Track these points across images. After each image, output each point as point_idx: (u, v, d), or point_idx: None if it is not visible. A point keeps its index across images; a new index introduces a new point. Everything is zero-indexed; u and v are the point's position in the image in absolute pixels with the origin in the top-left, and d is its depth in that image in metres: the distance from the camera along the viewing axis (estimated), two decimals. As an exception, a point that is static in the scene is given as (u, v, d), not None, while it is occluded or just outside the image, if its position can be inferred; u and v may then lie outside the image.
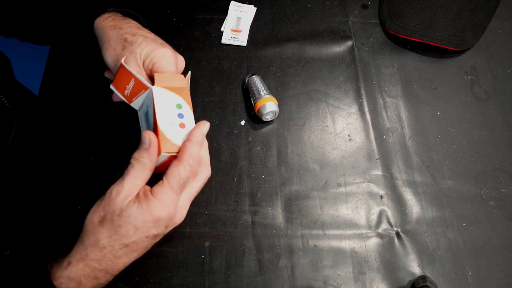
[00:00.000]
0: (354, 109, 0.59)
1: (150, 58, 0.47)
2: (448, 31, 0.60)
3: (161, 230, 0.41)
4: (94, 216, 0.40)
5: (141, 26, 0.51)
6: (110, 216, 0.39)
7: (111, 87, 0.48)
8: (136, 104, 0.47)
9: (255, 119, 0.58)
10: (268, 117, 0.56)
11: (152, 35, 0.50)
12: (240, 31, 0.64)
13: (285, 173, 0.55)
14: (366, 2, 0.67)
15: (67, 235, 0.51)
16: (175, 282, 0.49)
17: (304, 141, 0.57)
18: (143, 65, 0.47)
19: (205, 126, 0.43)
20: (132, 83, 0.45)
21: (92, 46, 0.63)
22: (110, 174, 0.54)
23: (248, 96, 0.59)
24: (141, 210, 0.39)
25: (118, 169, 0.55)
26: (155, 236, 0.41)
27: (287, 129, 0.58)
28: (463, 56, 0.62)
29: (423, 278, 0.46)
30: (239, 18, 0.66)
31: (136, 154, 0.41)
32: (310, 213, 0.52)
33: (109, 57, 0.48)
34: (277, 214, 0.52)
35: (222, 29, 0.65)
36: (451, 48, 0.61)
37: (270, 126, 0.58)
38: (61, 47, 0.64)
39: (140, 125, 0.48)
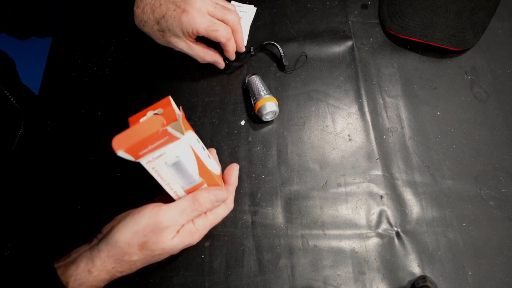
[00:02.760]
0: (354, 109, 0.59)
1: (185, 31, 0.51)
2: (448, 31, 0.60)
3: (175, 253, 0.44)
4: (133, 239, 0.40)
5: (157, 2, 0.52)
6: (152, 246, 0.40)
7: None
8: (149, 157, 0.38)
9: (255, 119, 0.58)
10: (268, 117, 0.56)
11: (171, 7, 0.52)
12: (240, 31, 0.64)
13: (285, 173, 0.55)
14: (366, 2, 0.67)
15: (67, 235, 0.51)
16: (175, 282, 0.49)
17: (304, 141, 0.57)
18: (187, 38, 0.53)
19: (237, 169, 0.48)
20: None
21: (92, 46, 0.64)
22: (110, 174, 0.54)
23: (248, 96, 0.59)
24: (179, 242, 0.41)
25: (118, 169, 0.55)
26: (167, 255, 0.44)
27: (287, 129, 0.58)
28: (463, 56, 0.62)
29: (423, 278, 0.46)
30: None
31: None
32: (310, 213, 0.52)
33: (162, 43, 0.56)
34: (277, 214, 0.52)
35: (222, 29, 0.65)
36: (451, 48, 0.61)
37: (270, 126, 0.58)
38: (61, 47, 0.64)
39: (158, 176, 0.40)
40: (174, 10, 0.51)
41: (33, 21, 0.53)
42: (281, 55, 0.61)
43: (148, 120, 0.35)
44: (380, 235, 0.51)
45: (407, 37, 0.61)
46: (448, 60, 0.62)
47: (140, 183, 0.54)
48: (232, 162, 0.55)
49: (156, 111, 0.40)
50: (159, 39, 0.54)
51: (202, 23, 0.51)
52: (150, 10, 0.52)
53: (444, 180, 0.54)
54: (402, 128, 0.58)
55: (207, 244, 0.51)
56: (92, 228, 0.51)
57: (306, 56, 0.62)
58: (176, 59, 0.62)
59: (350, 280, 0.49)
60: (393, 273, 0.49)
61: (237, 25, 0.54)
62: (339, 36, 0.64)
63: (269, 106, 0.55)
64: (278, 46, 0.61)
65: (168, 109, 0.38)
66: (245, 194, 0.53)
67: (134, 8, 0.53)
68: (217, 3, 0.54)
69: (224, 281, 0.49)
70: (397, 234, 0.51)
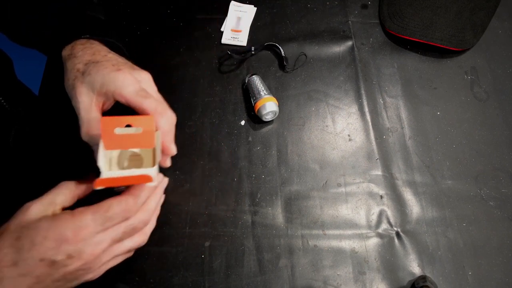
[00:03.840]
0: (354, 109, 0.59)
1: (105, 86, 0.40)
2: (448, 31, 0.60)
3: (61, 257, 0.34)
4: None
5: (103, 51, 0.45)
6: (14, 226, 0.35)
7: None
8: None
9: (255, 119, 0.58)
10: (268, 117, 0.56)
11: (111, 60, 0.43)
12: (240, 31, 0.64)
13: (285, 173, 0.55)
14: (366, 2, 0.67)
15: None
16: (175, 282, 0.49)
17: (304, 141, 0.57)
18: (99, 96, 0.41)
19: (165, 182, 0.42)
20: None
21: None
22: (110, 174, 0.54)
23: (248, 96, 0.59)
24: (48, 225, 0.34)
25: (118, 169, 0.55)
26: (52, 263, 0.34)
27: (287, 129, 0.58)
28: (463, 56, 0.62)
29: (423, 278, 0.46)
30: (239, 18, 0.66)
31: None
32: (310, 213, 0.52)
33: (66, 88, 0.43)
34: (277, 214, 0.52)
35: (222, 29, 0.65)
36: (451, 48, 0.61)
37: (270, 126, 0.58)
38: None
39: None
40: (113, 65, 0.42)
41: (33, 21, 0.53)
42: (283, 56, 0.61)
43: (134, 176, 0.37)
44: (380, 235, 0.51)
45: (407, 37, 0.61)
46: (448, 60, 0.62)
47: (140, 183, 0.54)
48: (232, 162, 0.55)
49: (135, 128, 0.38)
50: (69, 79, 0.43)
51: (130, 86, 0.40)
52: (91, 52, 0.44)
53: (444, 180, 0.54)
54: (402, 128, 0.58)
55: (207, 244, 0.51)
56: (92, 228, 0.51)
57: (305, 56, 0.62)
58: (176, 60, 0.62)
59: (350, 280, 0.49)
60: (393, 273, 0.49)
61: (169, 124, 0.42)
62: (339, 36, 0.64)
63: (269, 106, 0.55)
64: (279, 47, 0.61)
65: (147, 132, 0.37)
66: (245, 194, 0.53)
67: (75, 43, 0.45)
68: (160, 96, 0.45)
69: (224, 281, 0.49)
70: (397, 234, 0.51)
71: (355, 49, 0.63)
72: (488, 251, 0.50)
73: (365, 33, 0.64)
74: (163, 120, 0.41)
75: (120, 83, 0.40)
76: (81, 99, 0.41)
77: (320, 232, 0.51)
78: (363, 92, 0.60)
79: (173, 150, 0.43)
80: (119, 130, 0.38)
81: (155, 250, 0.50)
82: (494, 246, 0.50)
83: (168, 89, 0.60)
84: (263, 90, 0.56)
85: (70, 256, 0.34)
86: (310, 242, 0.51)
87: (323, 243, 0.51)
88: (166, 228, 0.51)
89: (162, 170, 0.51)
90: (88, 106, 0.42)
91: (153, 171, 0.39)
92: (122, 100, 0.41)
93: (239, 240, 0.51)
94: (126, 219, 0.38)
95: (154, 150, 0.40)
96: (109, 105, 0.44)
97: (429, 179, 0.54)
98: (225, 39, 0.64)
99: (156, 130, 0.40)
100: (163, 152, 0.43)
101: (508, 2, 0.66)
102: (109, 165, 0.42)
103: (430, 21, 0.61)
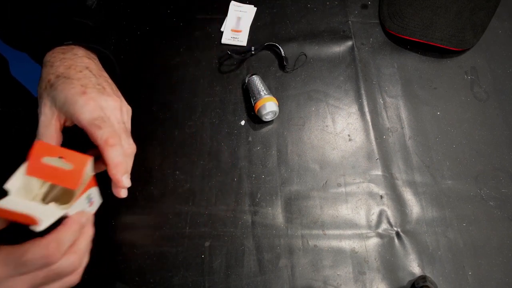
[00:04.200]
0: (354, 109, 0.59)
1: (66, 107, 0.40)
2: (448, 31, 0.60)
3: None
4: None
5: (79, 67, 0.43)
6: None
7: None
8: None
9: (255, 119, 0.58)
10: (268, 117, 0.56)
11: (81, 80, 0.42)
12: (240, 31, 0.64)
13: (285, 173, 0.55)
14: (366, 2, 0.67)
15: (67, 235, 0.51)
16: (175, 282, 0.49)
17: (304, 141, 0.57)
18: (59, 113, 0.41)
19: (83, 215, 0.37)
20: None
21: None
22: (110, 174, 0.54)
23: (248, 96, 0.59)
24: None
25: (118, 169, 0.55)
26: None
27: (287, 129, 0.58)
28: (463, 56, 0.62)
29: (423, 278, 0.46)
30: (239, 18, 0.66)
31: None
32: (310, 213, 0.52)
33: (37, 95, 0.43)
34: (277, 214, 0.52)
35: (222, 29, 0.65)
36: (451, 48, 0.61)
37: (270, 126, 0.58)
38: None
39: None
40: (81, 85, 0.41)
41: (33, 21, 0.53)
42: (283, 56, 0.61)
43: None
44: (380, 235, 0.51)
45: (407, 37, 0.61)
46: (448, 60, 0.62)
47: (140, 183, 0.54)
48: (232, 162, 0.55)
49: (65, 163, 0.36)
50: (40, 87, 0.43)
51: (89, 113, 0.39)
52: (67, 64, 0.43)
53: (444, 180, 0.54)
54: (402, 128, 0.58)
55: (207, 244, 0.51)
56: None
57: (305, 56, 0.62)
58: (176, 60, 0.62)
59: (350, 280, 0.49)
60: (393, 273, 0.49)
61: (126, 156, 0.42)
62: (339, 36, 0.64)
63: (269, 106, 0.55)
64: (279, 47, 0.61)
65: (76, 172, 0.35)
66: (245, 194, 0.53)
67: (57, 50, 0.44)
68: (126, 125, 0.44)
69: (224, 281, 0.49)
70: (397, 234, 0.51)
71: (355, 49, 0.63)
72: (488, 251, 0.50)
73: (365, 33, 0.64)
74: (113, 152, 0.39)
75: (79, 107, 0.39)
76: (44, 111, 0.41)
77: (320, 232, 0.51)
78: (363, 92, 0.60)
79: (124, 182, 0.41)
80: (48, 160, 0.35)
81: (155, 250, 0.50)
82: (494, 246, 0.50)
83: (168, 89, 0.61)
84: (263, 90, 0.56)
85: None
86: (310, 242, 0.51)
87: (323, 243, 0.51)
88: (166, 228, 0.51)
89: (162, 176, 0.52)
90: (48, 121, 0.41)
91: (64, 212, 0.35)
92: (79, 124, 0.40)
93: (239, 240, 0.51)
94: (47, 265, 0.33)
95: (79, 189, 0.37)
96: (71, 123, 0.42)
97: (429, 179, 0.54)
98: (225, 39, 0.64)
99: (91, 171, 0.38)
100: (115, 184, 0.41)
101: (508, 2, 0.66)
102: (26, 191, 0.37)
103: (430, 21, 0.61)
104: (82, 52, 0.46)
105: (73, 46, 0.45)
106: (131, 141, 0.44)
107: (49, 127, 0.41)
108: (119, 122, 0.43)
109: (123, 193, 0.43)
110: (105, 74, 0.47)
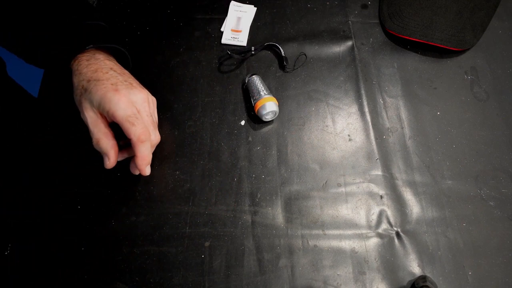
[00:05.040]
0: (354, 109, 0.59)
1: (102, 106, 0.45)
2: (448, 31, 0.60)
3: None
4: None
5: (105, 68, 0.49)
6: None
7: None
8: None
9: (255, 119, 0.58)
10: (268, 117, 0.56)
11: (111, 79, 0.47)
12: (240, 31, 0.64)
13: (285, 173, 0.55)
14: (366, 2, 0.67)
15: (67, 235, 0.51)
16: (175, 282, 0.49)
17: (304, 141, 0.57)
18: (99, 112, 0.47)
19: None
20: None
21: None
22: (110, 174, 0.54)
23: (248, 96, 0.59)
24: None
25: (118, 169, 0.55)
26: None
27: (287, 129, 0.58)
28: (463, 56, 0.62)
29: (423, 278, 0.46)
30: (239, 18, 0.66)
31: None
32: (310, 213, 0.52)
33: (75, 102, 0.48)
34: (277, 214, 0.52)
35: (222, 29, 0.65)
36: (451, 48, 0.61)
37: (270, 126, 0.58)
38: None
39: None
40: (111, 84, 0.46)
41: (35, 37, 0.52)
42: (283, 56, 0.61)
43: None
44: (380, 235, 0.51)
45: (407, 37, 0.61)
46: (448, 60, 0.62)
47: (140, 183, 0.54)
48: (232, 162, 0.55)
49: None
50: (77, 95, 0.48)
51: (123, 110, 0.45)
52: (94, 68, 0.48)
53: (444, 180, 0.54)
54: (402, 128, 0.58)
55: (207, 244, 0.51)
56: (92, 228, 0.52)
57: (305, 56, 0.62)
58: (176, 60, 0.62)
59: (350, 280, 0.49)
60: (393, 273, 0.49)
61: (151, 147, 0.49)
62: (339, 36, 0.64)
63: (269, 106, 0.55)
64: (279, 47, 0.61)
65: None
66: (245, 194, 0.53)
67: (81, 57, 0.49)
68: (153, 116, 0.51)
69: (224, 281, 0.49)
70: (397, 234, 0.51)
71: (355, 49, 0.63)
72: (488, 251, 0.50)
73: (365, 33, 0.64)
74: (142, 147, 0.46)
75: (114, 104, 0.45)
76: (87, 114, 0.47)
77: (320, 232, 0.51)
78: (363, 92, 0.60)
79: (146, 172, 0.48)
80: None
81: (155, 250, 0.50)
82: (494, 246, 0.50)
83: (168, 89, 0.61)
84: (263, 90, 0.56)
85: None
86: (310, 242, 0.51)
87: (323, 243, 0.51)
88: (166, 228, 0.51)
89: (162, 176, 0.51)
90: (94, 120, 0.47)
91: None
92: (114, 120, 0.45)
93: (239, 240, 0.51)
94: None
95: None
96: (110, 119, 0.47)
97: (429, 179, 0.54)
98: (225, 39, 0.64)
99: None
100: (138, 171, 0.48)
101: (508, 2, 0.66)
102: None
103: (430, 21, 0.61)
104: (102, 55, 0.50)
105: (94, 51, 0.50)
106: (157, 132, 0.51)
107: (98, 125, 0.47)
108: (148, 115, 0.49)
109: (147, 170, 0.49)
110: (126, 72, 0.52)
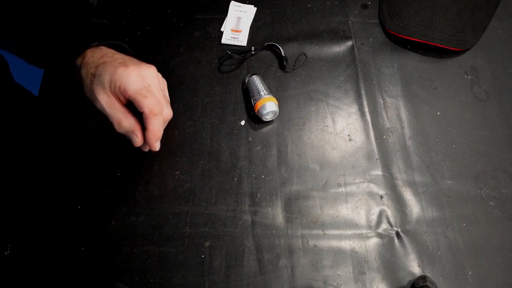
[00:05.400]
0: (354, 109, 0.59)
1: (113, 83, 0.44)
2: (448, 31, 0.60)
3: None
4: None
5: (110, 53, 0.49)
6: None
7: None
8: None
9: (255, 119, 0.58)
10: (268, 117, 0.56)
11: (118, 59, 0.47)
12: (240, 31, 0.64)
13: (285, 173, 0.55)
14: (366, 2, 0.67)
15: (67, 235, 0.51)
16: (175, 282, 0.49)
17: (304, 141, 0.57)
18: (112, 93, 0.46)
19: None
20: None
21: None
22: (110, 173, 0.55)
23: (248, 96, 0.59)
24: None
25: (118, 169, 0.55)
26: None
27: (287, 129, 0.58)
28: (463, 56, 0.62)
29: (423, 278, 0.46)
30: (239, 18, 0.66)
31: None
32: (310, 213, 0.52)
33: (88, 96, 0.48)
34: (277, 214, 0.52)
35: (222, 29, 0.65)
36: (451, 48, 0.61)
37: (270, 126, 0.58)
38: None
39: None
40: (119, 63, 0.46)
41: (39, 37, 0.52)
42: (283, 56, 0.61)
43: None
44: (380, 235, 0.51)
45: (407, 37, 0.61)
46: (448, 60, 0.62)
47: (140, 183, 0.54)
48: (232, 162, 0.55)
49: None
50: (87, 85, 0.47)
51: (134, 83, 0.45)
52: (99, 55, 0.47)
53: (444, 180, 0.54)
54: (402, 128, 0.58)
55: (207, 244, 0.51)
56: (92, 228, 0.52)
57: (305, 56, 0.62)
58: (176, 60, 0.62)
59: (350, 280, 0.49)
60: (393, 273, 0.49)
61: (165, 120, 0.50)
62: (339, 36, 0.64)
63: (269, 106, 0.55)
64: (279, 47, 0.61)
65: None
66: (245, 194, 0.53)
67: (85, 52, 0.48)
68: (164, 93, 0.50)
69: (224, 281, 0.49)
70: (397, 234, 0.51)
71: (355, 49, 0.63)
72: (488, 251, 0.50)
73: (365, 33, 0.64)
74: (155, 121, 0.45)
75: (124, 79, 0.44)
76: (101, 98, 0.45)
77: (320, 232, 0.51)
78: (363, 92, 0.60)
79: (156, 147, 0.47)
80: None
81: (155, 250, 0.50)
82: (494, 246, 0.50)
83: (168, 89, 0.60)
84: (263, 90, 0.56)
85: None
86: (310, 242, 0.51)
87: (323, 243, 0.51)
88: (166, 228, 0.51)
89: (162, 176, 0.51)
90: (109, 102, 0.45)
91: None
92: (126, 95, 0.45)
93: (239, 240, 0.51)
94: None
95: None
96: (125, 100, 0.47)
97: (429, 179, 0.54)
98: (225, 39, 0.64)
99: None
100: (148, 147, 0.48)
101: (508, 2, 0.66)
102: None
103: (430, 21, 0.61)
104: (106, 49, 0.50)
105: (101, 47, 0.50)
106: (169, 108, 0.50)
107: (115, 106, 0.46)
108: (158, 89, 0.48)
109: (157, 146, 0.48)
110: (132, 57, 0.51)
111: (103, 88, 0.45)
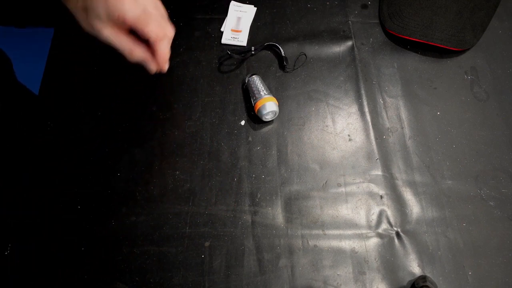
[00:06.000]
0: (354, 109, 0.59)
1: (110, 14, 0.43)
2: (448, 31, 0.60)
3: None
4: None
5: None
6: None
7: None
8: None
9: (255, 119, 0.58)
10: (268, 117, 0.56)
11: None
12: (240, 31, 0.64)
13: (285, 173, 0.55)
14: (366, 2, 0.67)
15: (67, 235, 0.51)
16: (175, 282, 0.49)
17: (304, 141, 0.57)
18: (113, 24, 0.44)
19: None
20: None
21: (93, 46, 0.63)
22: (110, 173, 0.54)
23: (248, 96, 0.59)
24: None
25: (118, 169, 0.55)
26: None
27: (287, 129, 0.58)
28: (463, 56, 0.62)
29: (423, 278, 0.46)
30: (239, 18, 0.66)
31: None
32: (310, 213, 0.52)
33: (86, 29, 0.45)
34: (277, 214, 0.52)
35: (222, 29, 0.65)
36: (451, 48, 0.61)
37: (270, 126, 0.58)
38: (61, 47, 0.64)
39: None
40: None
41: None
42: (283, 56, 0.61)
43: None
44: (380, 235, 0.51)
45: (407, 37, 0.61)
46: (448, 60, 0.62)
47: (140, 183, 0.54)
48: (232, 162, 0.55)
49: None
50: (83, 21, 0.45)
51: (132, 10, 0.43)
52: None
53: (444, 180, 0.54)
54: (402, 128, 0.58)
55: (207, 244, 0.51)
56: (92, 228, 0.52)
57: (305, 56, 0.62)
58: (176, 60, 0.62)
59: (350, 280, 0.49)
60: (393, 273, 0.49)
61: (170, 38, 0.48)
62: (339, 36, 0.64)
63: (269, 106, 0.55)
64: (279, 47, 0.61)
65: None
66: (245, 194, 0.53)
67: None
68: (162, 12, 0.48)
69: (224, 281, 0.49)
70: (397, 234, 0.51)
71: (355, 49, 0.63)
72: (488, 251, 0.50)
73: (365, 33, 0.64)
74: (162, 45, 0.46)
75: (120, 8, 0.42)
76: (104, 32, 0.44)
77: (320, 232, 0.51)
78: (363, 92, 0.60)
79: (165, 68, 0.47)
80: None
81: (155, 250, 0.50)
82: (494, 246, 0.50)
83: (168, 89, 0.61)
84: (263, 90, 0.56)
85: None
86: (310, 242, 0.51)
87: (323, 243, 0.51)
88: (166, 228, 0.51)
89: (162, 176, 0.51)
90: (114, 34, 0.44)
91: None
92: (127, 24, 0.44)
93: (239, 240, 0.51)
94: None
95: None
96: (127, 27, 0.45)
97: (429, 179, 0.54)
98: (225, 39, 0.64)
99: None
100: (158, 70, 0.47)
101: (508, 2, 0.66)
102: None
103: (430, 21, 0.61)
104: None
105: None
106: (170, 25, 0.48)
107: (121, 36, 0.44)
108: (154, 8, 0.46)
109: (166, 67, 0.48)
110: None
111: (102, 21, 0.43)
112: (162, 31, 0.45)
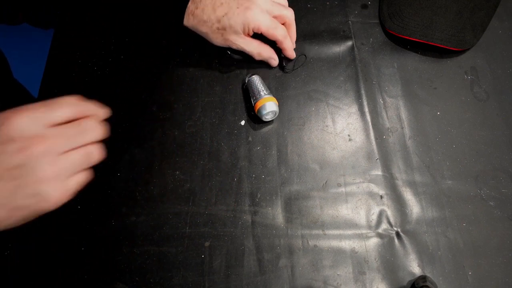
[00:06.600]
0: (354, 109, 0.59)
1: (247, 27, 0.53)
2: (448, 31, 0.60)
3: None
4: None
5: (210, 4, 0.54)
6: None
7: None
8: None
9: (255, 119, 0.58)
10: (268, 117, 0.56)
11: (232, 6, 0.54)
12: (240, 31, 0.64)
13: (285, 173, 0.55)
14: (366, 2, 0.67)
15: (67, 235, 0.51)
16: (175, 282, 0.49)
17: (304, 141, 0.57)
18: (245, 34, 0.55)
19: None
20: None
21: (92, 46, 0.64)
22: (110, 173, 0.55)
23: (248, 96, 0.59)
24: None
25: (118, 169, 0.55)
26: None
27: (287, 129, 0.58)
28: (463, 56, 0.62)
29: (423, 278, 0.46)
30: (239, 18, 0.66)
31: None
32: (310, 213, 0.52)
33: (217, 43, 0.57)
34: (277, 214, 0.52)
35: (222, 29, 0.65)
36: (451, 48, 0.61)
37: (270, 126, 0.58)
38: (61, 47, 0.64)
39: None
40: (237, 7, 0.53)
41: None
42: (282, 56, 0.61)
43: None
44: (380, 235, 0.51)
45: (407, 37, 0.61)
46: (448, 60, 0.62)
47: (140, 183, 0.54)
48: (232, 162, 0.55)
49: None
50: (217, 38, 0.56)
51: (265, 21, 0.54)
52: (211, 9, 0.54)
53: (444, 180, 0.54)
54: (402, 128, 0.58)
55: (207, 244, 0.51)
56: (92, 228, 0.52)
57: (305, 56, 0.62)
58: (176, 60, 0.62)
59: (350, 280, 0.49)
60: (393, 273, 0.49)
61: (292, 21, 0.58)
62: (339, 36, 0.64)
63: (269, 106, 0.55)
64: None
65: None
66: (245, 194, 0.53)
67: (192, 9, 0.54)
68: (274, 1, 0.56)
69: (224, 281, 0.49)
70: (397, 234, 0.51)
71: (355, 49, 0.63)
72: (488, 251, 0.50)
73: (365, 33, 0.64)
74: (287, 41, 0.57)
75: (256, 19, 0.53)
76: (238, 42, 0.56)
77: (320, 232, 0.51)
78: (363, 92, 0.60)
79: (293, 56, 0.60)
80: None
81: (155, 250, 0.50)
82: (494, 246, 0.50)
83: (168, 89, 0.61)
84: (263, 90, 0.56)
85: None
86: (310, 242, 0.51)
87: (323, 243, 0.51)
88: (166, 228, 0.51)
89: (162, 176, 0.51)
90: (246, 42, 0.56)
91: None
92: (259, 32, 0.55)
93: (239, 240, 0.51)
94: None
95: None
96: (253, 32, 0.56)
97: (429, 179, 0.54)
98: (225, 39, 0.64)
99: None
100: (287, 59, 0.61)
101: (508, 2, 0.66)
102: None
103: (430, 21, 0.61)
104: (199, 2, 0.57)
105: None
106: (289, 11, 0.58)
107: (251, 42, 0.57)
108: (273, 6, 0.56)
109: (294, 54, 0.61)
110: None
111: (237, 34, 0.55)
112: (285, 32, 0.56)
